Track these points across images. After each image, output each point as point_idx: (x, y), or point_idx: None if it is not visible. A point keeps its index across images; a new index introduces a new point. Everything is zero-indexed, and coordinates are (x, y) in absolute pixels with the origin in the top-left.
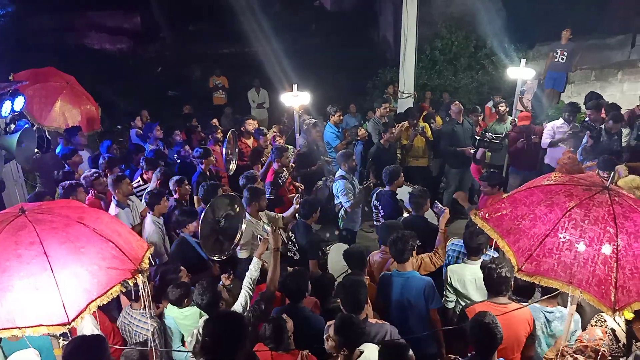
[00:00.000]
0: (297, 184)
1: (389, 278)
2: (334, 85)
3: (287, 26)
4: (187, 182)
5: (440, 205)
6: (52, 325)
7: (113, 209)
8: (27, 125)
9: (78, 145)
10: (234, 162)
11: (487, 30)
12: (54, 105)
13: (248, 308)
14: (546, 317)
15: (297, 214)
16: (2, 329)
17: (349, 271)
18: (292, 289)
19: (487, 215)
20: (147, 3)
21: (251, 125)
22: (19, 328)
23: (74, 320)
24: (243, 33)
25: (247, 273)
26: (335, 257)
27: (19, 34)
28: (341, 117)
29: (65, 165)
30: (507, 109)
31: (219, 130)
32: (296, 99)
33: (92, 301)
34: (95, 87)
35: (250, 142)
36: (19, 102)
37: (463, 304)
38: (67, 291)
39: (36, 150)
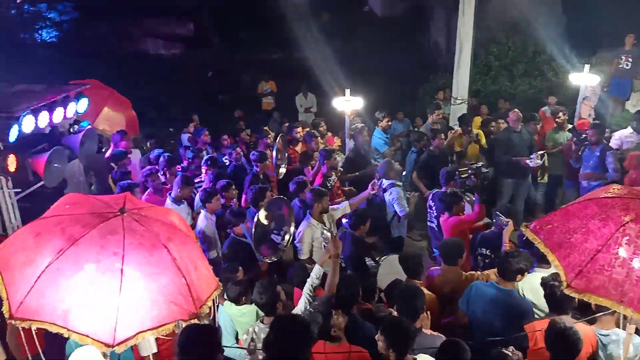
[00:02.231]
0: (346, 188)
1: (481, 289)
2: (384, 91)
3: (336, 32)
4: (234, 187)
5: (502, 217)
6: (97, 341)
7: (169, 204)
8: (89, 126)
9: (126, 148)
10: (283, 166)
11: (546, 36)
12: (102, 110)
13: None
14: (601, 341)
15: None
16: (54, 325)
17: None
18: (344, 294)
19: (537, 227)
20: (200, 10)
21: (299, 133)
22: (68, 330)
23: (117, 344)
24: (292, 39)
25: (308, 279)
26: (387, 271)
27: (80, 40)
28: (390, 123)
29: (115, 166)
30: (567, 117)
31: (270, 135)
32: (348, 104)
33: (141, 332)
34: (149, 90)
35: (298, 148)
36: (83, 104)
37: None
38: (124, 314)
39: None
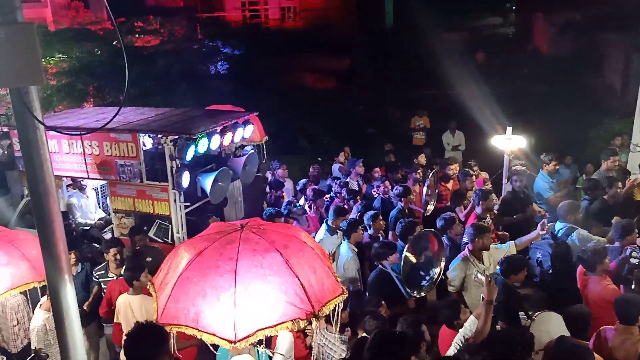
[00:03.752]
0: (500, 232)
1: None
2: (548, 133)
3: (495, 70)
4: (381, 218)
5: None
6: (220, 339)
7: (322, 232)
8: (252, 151)
9: (282, 176)
10: (432, 203)
11: None
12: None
13: None
14: None
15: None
16: (189, 327)
17: None
18: (500, 351)
19: None
20: (356, 46)
21: (452, 170)
22: (199, 331)
23: (239, 341)
24: (447, 76)
25: (460, 330)
26: (542, 327)
27: (248, 72)
28: (557, 167)
29: (271, 192)
30: None
31: (419, 170)
32: (509, 142)
33: (260, 329)
34: (302, 121)
35: (450, 185)
36: (249, 130)
37: None
38: (242, 313)
39: None
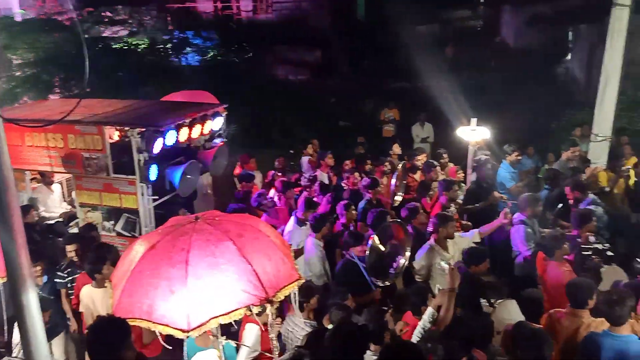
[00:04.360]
0: (464, 222)
1: (597, 340)
2: (513, 124)
3: (463, 63)
4: (354, 208)
5: None
6: (174, 329)
7: (291, 224)
8: (222, 143)
9: (252, 169)
10: (399, 194)
11: None
12: None
13: None
14: None
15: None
16: (143, 320)
17: None
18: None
19: None
20: (328, 39)
21: (419, 160)
22: (153, 323)
23: (193, 330)
24: (417, 69)
25: (419, 322)
26: (503, 315)
27: (220, 64)
28: (519, 158)
29: (240, 185)
30: None
31: (387, 162)
32: (473, 134)
33: (214, 317)
34: (276, 113)
35: (417, 176)
36: (218, 122)
37: None
38: (194, 302)
39: None
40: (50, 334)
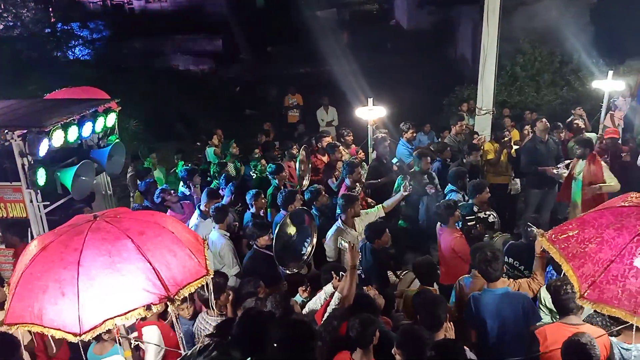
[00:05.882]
0: (370, 200)
1: (479, 298)
2: (410, 103)
3: (362, 46)
4: (263, 196)
5: (535, 228)
6: (66, 333)
7: (195, 218)
8: (117, 140)
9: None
10: (307, 177)
11: (573, 45)
12: None
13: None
14: (622, 355)
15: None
16: (35, 324)
17: None
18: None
19: (554, 236)
20: (228, 27)
21: (326, 141)
22: (44, 327)
23: (86, 333)
24: (319, 53)
25: (315, 298)
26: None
27: (113, 57)
28: (414, 134)
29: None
30: (584, 125)
31: (294, 146)
32: (371, 113)
33: (109, 319)
34: (179, 105)
35: (324, 158)
36: (111, 119)
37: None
38: (87, 304)
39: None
40: None
